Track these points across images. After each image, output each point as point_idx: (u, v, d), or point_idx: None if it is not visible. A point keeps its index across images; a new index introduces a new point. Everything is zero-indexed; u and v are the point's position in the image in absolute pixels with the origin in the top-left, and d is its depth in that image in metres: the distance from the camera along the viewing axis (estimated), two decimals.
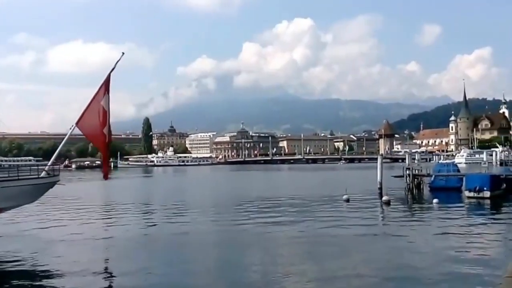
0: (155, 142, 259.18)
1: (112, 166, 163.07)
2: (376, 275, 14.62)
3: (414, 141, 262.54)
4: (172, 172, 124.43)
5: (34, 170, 23.83)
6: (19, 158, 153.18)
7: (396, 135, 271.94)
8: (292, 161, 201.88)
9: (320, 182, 65.38)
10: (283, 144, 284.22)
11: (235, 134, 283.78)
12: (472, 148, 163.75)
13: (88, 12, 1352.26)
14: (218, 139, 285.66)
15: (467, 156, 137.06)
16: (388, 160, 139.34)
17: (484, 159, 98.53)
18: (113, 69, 22.85)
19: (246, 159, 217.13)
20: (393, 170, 52.68)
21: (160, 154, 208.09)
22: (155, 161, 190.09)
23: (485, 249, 17.94)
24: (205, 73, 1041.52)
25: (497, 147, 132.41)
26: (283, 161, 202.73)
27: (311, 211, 30.15)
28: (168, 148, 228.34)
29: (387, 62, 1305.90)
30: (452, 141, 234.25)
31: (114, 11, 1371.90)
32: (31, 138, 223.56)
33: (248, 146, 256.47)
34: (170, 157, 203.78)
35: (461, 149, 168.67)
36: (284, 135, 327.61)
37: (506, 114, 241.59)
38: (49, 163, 24.59)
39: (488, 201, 33.89)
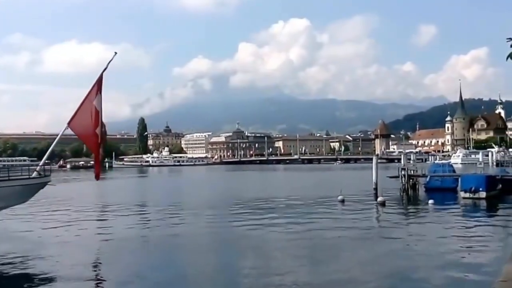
0: (150, 142, 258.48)
1: (107, 166, 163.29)
2: (370, 279, 14.41)
3: (410, 141, 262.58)
4: (167, 173, 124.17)
5: (25, 171, 23.54)
6: (13, 158, 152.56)
7: (392, 136, 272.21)
8: (287, 161, 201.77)
9: (315, 182, 65.16)
10: (279, 144, 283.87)
11: (231, 134, 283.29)
12: (468, 149, 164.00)
13: (83, 13, 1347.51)
14: (214, 139, 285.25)
15: (463, 157, 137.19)
16: (384, 161, 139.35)
17: (480, 160, 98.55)
18: (105, 68, 22.62)
19: (242, 159, 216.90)
20: (388, 170, 52.51)
21: (155, 154, 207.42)
22: (150, 161, 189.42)
23: (480, 252, 17.71)
24: (201, 74, 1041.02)
25: (493, 147, 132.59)
26: (278, 161, 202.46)
27: (306, 213, 29.85)
28: (164, 148, 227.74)
29: (384, 62, 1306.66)
30: (448, 142, 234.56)
31: (109, 11, 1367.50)
32: (26, 138, 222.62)
33: (244, 146, 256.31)
34: (165, 157, 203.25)
35: (457, 150, 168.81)
36: (280, 135, 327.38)
37: (502, 114, 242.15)
38: (41, 163, 24.33)
39: (483, 202, 33.80)
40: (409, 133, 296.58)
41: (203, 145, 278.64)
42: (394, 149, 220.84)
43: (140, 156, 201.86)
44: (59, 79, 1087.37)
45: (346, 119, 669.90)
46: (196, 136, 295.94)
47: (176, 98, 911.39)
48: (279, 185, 61.86)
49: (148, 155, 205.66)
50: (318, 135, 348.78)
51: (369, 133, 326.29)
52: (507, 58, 5.33)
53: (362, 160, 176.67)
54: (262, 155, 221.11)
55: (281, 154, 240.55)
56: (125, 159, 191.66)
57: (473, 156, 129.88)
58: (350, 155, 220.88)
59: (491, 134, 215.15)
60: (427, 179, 43.77)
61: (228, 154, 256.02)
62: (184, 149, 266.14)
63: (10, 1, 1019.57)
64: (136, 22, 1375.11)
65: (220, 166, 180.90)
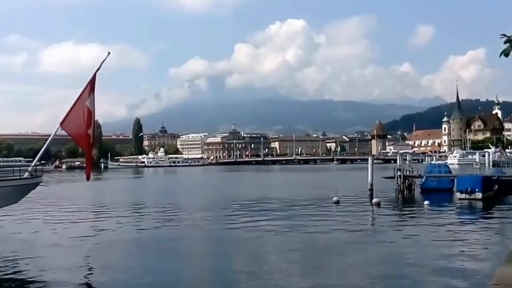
0: (146, 143, 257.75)
1: (102, 167, 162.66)
2: (362, 283, 14.18)
3: (406, 142, 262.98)
4: (162, 173, 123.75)
5: (17, 171, 23.30)
6: (8, 159, 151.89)
7: (389, 136, 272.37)
8: (283, 162, 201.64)
9: (311, 183, 64.98)
10: (275, 145, 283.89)
11: (227, 135, 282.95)
12: (464, 149, 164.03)
13: (80, 13, 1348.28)
14: (210, 139, 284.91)
15: (460, 157, 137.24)
16: (380, 161, 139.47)
17: (477, 160, 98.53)
18: (98, 69, 22.49)
19: (238, 159, 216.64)
20: (385, 171, 52.36)
21: (150, 155, 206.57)
22: (146, 162, 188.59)
23: (475, 255, 17.40)
24: (198, 74, 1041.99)
25: (490, 148, 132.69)
26: (274, 162, 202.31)
27: (300, 214, 29.51)
28: (159, 149, 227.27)
29: (381, 63, 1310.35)
30: (444, 142, 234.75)
31: (106, 12, 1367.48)
32: (22, 138, 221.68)
33: (240, 146, 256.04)
34: (161, 158, 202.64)
35: (453, 150, 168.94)
36: (276, 136, 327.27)
37: (499, 115, 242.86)
38: (32, 164, 24.10)
39: (480, 203, 33.65)
40: (406, 134, 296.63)
41: (199, 145, 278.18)
42: (390, 149, 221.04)
43: (136, 157, 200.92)
44: (56, 80, 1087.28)
45: (342, 120, 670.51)
46: (192, 136, 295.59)
47: (172, 98, 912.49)
48: (274, 186, 61.55)
49: (144, 155, 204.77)
50: (314, 135, 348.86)
51: (365, 133, 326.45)
52: (500, 55, 5.11)
53: (358, 160, 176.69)
54: (258, 155, 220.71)
55: (277, 155, 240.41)
56: (120, 160, 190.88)
57: (469, 156, 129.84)
58: (347, 156, 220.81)
59: (488, 134, 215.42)
60: (423, 179, 43.56)
61: (224, 154, 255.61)
62: (180, 149, 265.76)
63: (7, 2, 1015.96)
64: (133, 23, 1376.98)
65: (216, 166, 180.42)
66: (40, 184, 23.11)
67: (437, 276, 14.55)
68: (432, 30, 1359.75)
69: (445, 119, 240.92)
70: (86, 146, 22.91)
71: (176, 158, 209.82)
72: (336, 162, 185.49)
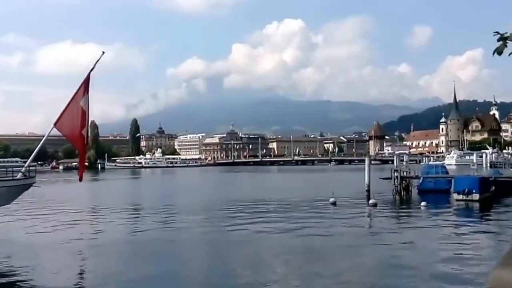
0: (143, 143, 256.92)
1: (99, 167, 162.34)
2: (359, 287, 14.04)
3: (404, 142, 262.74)
4: (160, 174, 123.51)
5: (10, 172, 23.13)
6: (4, 160, 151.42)
7: (387, 137, 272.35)
8: (281, 162, 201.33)
9: (308, 184, 64.91)
10: (273, 145, 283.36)
11: (225, 135, 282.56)
12: (462, 150, 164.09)
13: (77, 13, 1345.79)
14: (207, 140, 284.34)
15: (457, 158, 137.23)
16: (378, 162, 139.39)
17: (474, 161, 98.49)
18: (92, 68, 22.36)
19: (236, 160, 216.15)
20: (382, 172, 52.27)
21: (148, 156, 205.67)
22: (143, 163, 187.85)
23: (471, 258, 17.23)
24: (195, 74, 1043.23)
25: (487, 148, 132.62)
26: (272, 163, 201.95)
27: (296, 216, 29.35)
28: (156, 150, 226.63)
29: (378, 63, 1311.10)
30: (442, 143, 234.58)
31: (103, 11, 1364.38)
32: (18, 139, 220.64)
33: (238, 147, 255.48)
34: (158, 158, 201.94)
35: (451, 151, 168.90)
36: (274, 137, 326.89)
37: (497, 115, 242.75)
38: (26, 164, 23.92)
39: (477, 204, 33.56)
40: (403, 135, 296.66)
41: (197, 146, 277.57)
42: (388, 150, 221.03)
43: (133, 157, 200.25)
44: (53, 80, 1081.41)
45: (340, 120, 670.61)
46: (190, 137, 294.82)
47: (170, 98, 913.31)
48: (272, 187, 61.37)
49: (141, 156, 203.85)
50: (312, 136, 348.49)
51: (363, 134, 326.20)
52: (493, 53, 4.95)
53: (356, 161, 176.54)
54: (256, 156, 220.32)
55: (275, 155, 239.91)
56: (117, 161, 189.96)
57: (467, 157, 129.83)
58: (344, 157, 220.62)
59: (485, 135, 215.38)
60: (420, 180, 43.48)
61: (222, 155, 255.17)
62: (178, 150, 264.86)
63: (3, 1, 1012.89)
64: (131, 22, 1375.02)
65: (214, 167, 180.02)
66: (33, 185, 22.93)
67: (433, 279, 14.45)
68: (430, 30, 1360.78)
69: (442, 119, 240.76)
70: (80, 146, 22.72)
71: (173, 158, 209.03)
72: (334, 163, 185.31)
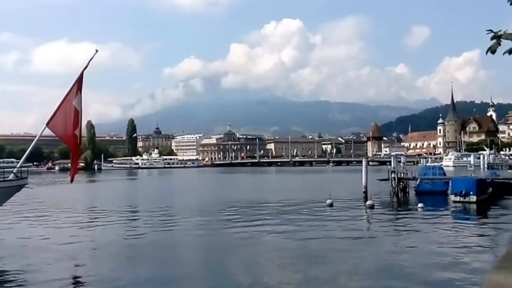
0: (140, 144, 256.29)
1: (95, 168, 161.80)
2: None
3: (402, 143, 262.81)
4: (157, 175, 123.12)
5: (1, 173, 22.75)
6: (0, 160, 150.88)
7: (385, 138, 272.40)
8: (279, 163, 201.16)
9: (305, 185, 64.72)
10: (271, 146, 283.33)
11: (222, 136, 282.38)
12: (460, 151, 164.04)
13: (73, 11, 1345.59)
14: (205, 141, 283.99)
15: (455, 159, 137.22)
16: (376, 163, 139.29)
17: (472, 162, 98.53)
18: (86, 67, 21.97)
19: (233, 161, 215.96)
20: (380, 173, 52.08)
21: (144, 156, 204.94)
22: (140, 164, 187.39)
23: (467, 262, 16.91)
24: (193, 74, 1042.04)
25: (484, 150, 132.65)
26: (270, 164, 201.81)
27: (293, 217, 29.15)
28: (153, 150, 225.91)
29: (376, 64, 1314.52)
30: (440, 144, 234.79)
31: (99, 10, 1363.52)
32: (13, 139, 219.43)
33: (235, 148, 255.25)
34: (155, 159, 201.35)
35: (448, 152, 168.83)
36: (272, 137, 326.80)
37: (494, 117, 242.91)
38: (18, 165, 23.54)
39: (474, 206, 33.34)
40: (401, 136, 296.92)
41: (194, 147, 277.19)
42: (386, 151, 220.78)
43: (130, 158, 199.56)
44: (48, 79, 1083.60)
45: (338, 121, 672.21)
46: (187, 138, 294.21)
47: (167, 99, 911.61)
48: (269, 188, 61.10)
49: (138, 157, 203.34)
50: (310, 137, 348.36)
51: (361, 135, 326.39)
52: (487, 52, 4.73)
53: (354, 162, 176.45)
54: (254, 157, 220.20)
55: (272, 156, 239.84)
56: (114, 161, 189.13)
57: (465, 158, 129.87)
58: (342, 158, 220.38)
59: (482, 136, 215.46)
60: (417, 182, 43.24)
61: (219, 156, 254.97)
62: (175, 151, 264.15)
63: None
64: (127, 21, 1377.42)
65: (211, 168, 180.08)
66: (25, 186, 22.58)
67: (429, 283, 14.22)
68: (427, 31, 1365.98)
69: (440, 120, 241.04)
70: (73, 146, 22.33)
71: (170, 159, 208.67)
72: (332, 164, 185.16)
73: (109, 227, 26.69)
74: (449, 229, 24.31)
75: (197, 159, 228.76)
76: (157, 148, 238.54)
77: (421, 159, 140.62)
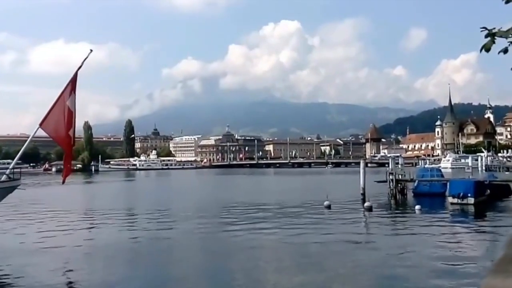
0: (138, 145, 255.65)
1: (93, 169, 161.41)
2: None
3: (400, 145, 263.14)
4: (155, 176, 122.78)
5: None
6: None
7: (383, 140, 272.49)
8: (277, 165, 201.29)
9: (304, 187, 64.51)
10: (269, 147, 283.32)
11: (221, 137, 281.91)
12: (457, 153, 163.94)
13: (70, 11, 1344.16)
14: (203, 142, 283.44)
15: (453, 161, 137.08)
16: (374, 165, 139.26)
17: (469, 164, 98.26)
18: (80, 67, 21.69)
19: (232, 162, 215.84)
20: (378, 175, 51.85)
21: (142, 158, 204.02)
22: (137, 165, 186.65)
23: (464, 265, 16.67)
24: (191, 75, 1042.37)
25: (482, 152, 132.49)
26: (268, 165, 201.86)
27: (291, 219, 28.95)
28: (151, 152, 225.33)
29: (374, 65, 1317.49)
30: (438, 146, 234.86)
31: (96, 10, 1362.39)
32: (10, 140, 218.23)
33: (234, 149, 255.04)
34: (153, 160, 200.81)
35: (446, 154, 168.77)
36: (270, 139, 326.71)
37: (491, 119, 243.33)
38: (11, 166, 23.26)
39: (472, 208, 33.14)
40: (399, 137, 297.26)
41: (192, 148, 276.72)
42: (385, 153, 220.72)
43: (127, 159, 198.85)
44: (45, 80, 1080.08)
45: (337, 123, 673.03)
46: (185, 139, 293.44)
47: (165, 99, 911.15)
48: (267, 190, 60.94)
49: (135, 158, 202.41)
50: (309, 138, 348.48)
51: (360, 137, 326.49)
52: (480, 50, 4.70)
53: (352, 164, 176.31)
54: (252, 158, 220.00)
55: (271, 158, 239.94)
56: (111, 163, 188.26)
57: (462, 160, 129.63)
58: (341, 159, 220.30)
59: (480, 138, 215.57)
60: (415, 184, 43.07)
61: (218, 157, 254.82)
62: (173, 152, 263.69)
63: None
64: (125, 22, 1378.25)
65: (210, 169, 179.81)
66: (18, 187, 22.26)
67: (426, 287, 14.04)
68: (425, 33, 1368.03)
69: (438, 122, 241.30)
70: (67, 147, 22.03)
71: (168, 160, 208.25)
72: (330, 165, 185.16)
73: (104, 229, 26.45)
74: (447, 232, 24.11)
75: (195, 161, 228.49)
76: (155, 149, 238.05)
77: (420, 161, 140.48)
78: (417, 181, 43.42)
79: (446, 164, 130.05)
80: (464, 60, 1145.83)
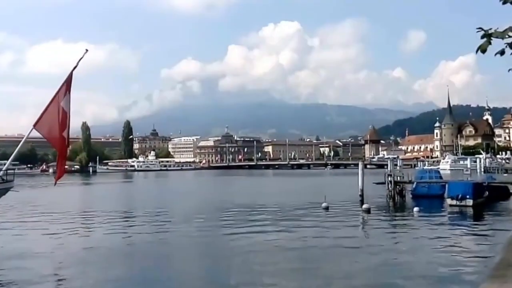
0: (136, 146, 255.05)
1: (90, 171, 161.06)
2: None
3: (399, 147, 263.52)
4: (153, 178, 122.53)
5: None
6: None
7: (382, 141, 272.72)
8: (277, 166, 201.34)
9: (303, 188, 64.33)
10: (268, 149, 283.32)
11: (220, 138, 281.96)
12: (456, 155, 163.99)
13: (69, 12, 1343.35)
14: (202, 143, 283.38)
15: (452, 163, 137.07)
16: (373, 166, 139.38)
17: (468, 166, 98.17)
18: (75, 67, 21.35)
19: (230, 164, 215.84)
20: (377, 176, 51.69)
21: (141, 159, 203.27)
22: (136, 166, 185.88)
23: (462, 268, 16.50)
24: (190, 76, 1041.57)
25: (481, 153, 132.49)
26: (267, 166, 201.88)
27: (289, 221, 28.69)
28: (150, 153, 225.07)
29: (373, 67, 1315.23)
30: (437, 147, 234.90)
31: (95, 10, 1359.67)
32: (7, 141, 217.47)
33: (233, 150, 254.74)
34: (151, 161, 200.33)
35: (445, 156, 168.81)
36: (269, 140, 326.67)
37: (490, 121, 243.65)
38: (4, 168, 23.00)
39: (470, 210, 33.07)
40: (398, 139, 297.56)
41: (191, 149, 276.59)
42: (384, 154, 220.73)
43: (125, 160, 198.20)
44: (43, 80, 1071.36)
45: (336, 124, 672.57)
46: (184, 140, 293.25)
47: (164, 100, 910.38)
48: (266, 192, 60.61)
49: (134, 159, 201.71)
50: (308, 140, 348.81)
51: (359, 138, 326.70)
52: (476, 51, 4.75)
53: (351, 165, 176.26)
54: (251, 159, 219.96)
55: (270, 159, 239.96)
56: (109, 164, 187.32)
57: (461, 162, 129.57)
58: (340, 161, 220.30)
59: (479, 140, 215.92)
60: (414, 185, 42.91)
61: (217, 158, 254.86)
62: (172, 153, 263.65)
63: None
64: (124, 22, 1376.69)
65: (208, 171, 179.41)
66: (11, 189, 22.02)
67: None
68: (424, 35, 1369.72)
69: (437, 124, 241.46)
70: (60, 149, 21.77)
71: (167, 162, 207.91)
72: (329, 167, 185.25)
73: (101, 231, 26.20)
74: (445, 234, 23.97)
75: (194, 162, 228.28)
76: (153, 150, 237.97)
77: (418, 162, 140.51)
78: (415, 182, 43.26)
79: (445, 165, 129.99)
80: (463, 62, 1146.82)
